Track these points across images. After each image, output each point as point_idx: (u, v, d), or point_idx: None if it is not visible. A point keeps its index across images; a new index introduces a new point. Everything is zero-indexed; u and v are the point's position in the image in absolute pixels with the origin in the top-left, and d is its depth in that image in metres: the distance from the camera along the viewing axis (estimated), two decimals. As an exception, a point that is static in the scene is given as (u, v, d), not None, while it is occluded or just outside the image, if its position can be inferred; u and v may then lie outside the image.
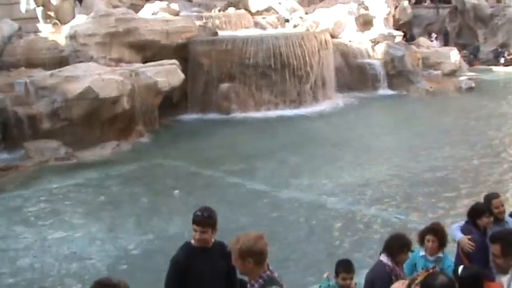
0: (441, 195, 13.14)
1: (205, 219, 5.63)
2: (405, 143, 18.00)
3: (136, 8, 25.31)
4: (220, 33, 24.73)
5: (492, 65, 37.52)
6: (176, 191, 13.65)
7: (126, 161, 16.62)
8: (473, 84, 28.62)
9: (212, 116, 22.21)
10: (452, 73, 31.23)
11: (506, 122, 21.19)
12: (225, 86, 22.51)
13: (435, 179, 14.35)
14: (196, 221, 5.65)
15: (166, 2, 25.33)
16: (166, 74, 20.34)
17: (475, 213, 7.03)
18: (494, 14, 41.18)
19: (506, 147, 17.52)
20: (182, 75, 20.91)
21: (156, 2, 25.76)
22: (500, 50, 39.06)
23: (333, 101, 24.28)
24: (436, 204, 12.52)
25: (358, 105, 24.05)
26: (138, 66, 20.55)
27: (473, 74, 32.32)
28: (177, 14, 24.56)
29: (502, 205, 7.25)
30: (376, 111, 23.56)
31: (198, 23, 24.37)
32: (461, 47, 37.41)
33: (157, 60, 21.09)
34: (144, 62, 21.29)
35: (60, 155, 16.92)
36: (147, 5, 25.29)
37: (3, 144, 17.54)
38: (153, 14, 23.86)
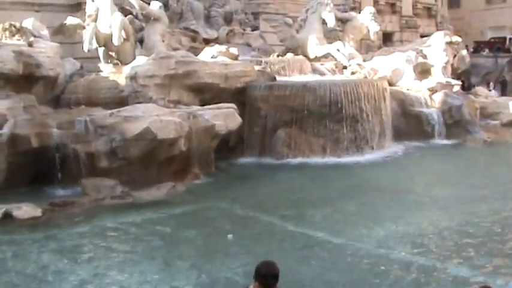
0: (498, 250, 12.77)
1: (270, 283, 5.62)
2: (463, 194, 17.58)
3: (196, 51, 25.66)
4: (279, 78, 24.83)
5: (552, 115, 36.86)
6: (230, 235, 13.55)
7: (181, 202, 16.63)
8: (532, 135, 28.17)
9: (268, 160, 22.18)
10: (511, 123, 30.76)
11: None
12: (281, 131, 22.50)
13: (492, 233, 13.95)
14: (264, 283, 5.61)
15: (226, 46, 25.61)
16: (224, 117, 20.43)
17: None
18: (552, 65, 40.68)
19: None
20: (239, 119, 20.98)
21: (215, 45, 26.07)
22: (559, 100, 38.39)
23: (389, 149, 24.07)
24: (494, 260, 12.15)
25: (415, 154, 23.78)
26: (196, 108, 20.72)
27: (532, 124, 31.77)
28: (236, 58, 24.77)
29: None
30: (433, 160, 23.23)
31: (256, 67, 24.53)
32: (520, 97, 36.79)
33: (215, 103, 21.22)
34: (202, 104, 21.46)
35: (116, 193, 17.04)
36: (207, 49, 25.57)
37: (61, 181, 17.77)
38: (212, 58, 24.08)
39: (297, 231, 14.11)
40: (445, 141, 26.37)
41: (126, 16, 24.69)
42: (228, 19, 31.24)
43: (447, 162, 23.09)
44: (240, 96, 22.73)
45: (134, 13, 25.85)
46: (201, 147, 19.67)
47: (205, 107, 20.96)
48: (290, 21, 32.22)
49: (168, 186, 17.77)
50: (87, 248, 13.01)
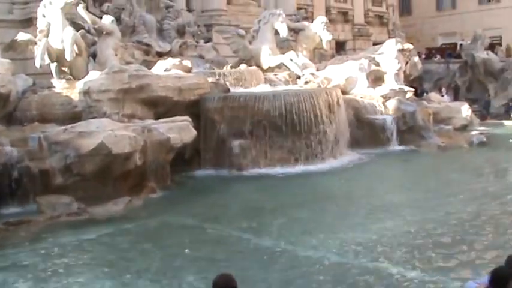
0: (455, 251, 13.03)
1: None
2: (417, 199, 17.90)
3: (149, 64, 25.66)
4: (232, 90, 24.94)
5: (503, 119, 37.75)
6: (187, 250, 13.58)
7: (138, 217, 16.58)
8: (484, 139, 28.74)
9: (224, 172, 22.25)
10: (464, 128, 31.40)
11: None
12: (237, 142, 22.60)
13: (449, 235, 14.23)
14: None
15: (179, 59, 25.66)
16: (179, 130, 20.45)
17: (500, 280, 6.85)
18: (504, 68, 41.58)
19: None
20: (194, 132, 21.01)
21: (168, 58, 26.12)
22: (511, 104, 39.24)
23: (345, 158, 24.31)
24: (451, 262, 12.41)
25: (370, 162, 24.04)
26: (150, 122, 20.70)
27: (485, 128, 32.51)
28: (189, 70, 24.84)
29: None
30: (388, 167, 23.56)
31: (210, 79, 24.58)
32: (472, 102, 37.64)
33: (169, 116, 21.23)
34: (157, 118, 21.46)
35: (72, 210, 16.91)
36: (160, 62, 25.59)
37: (15, 199, 17.58)
38: (165, 71, 24.11)
39: (255, 242, 14.19)
40: (400, 148, 26.72)
41: (78, 31, 24.60)
42: (181, 32, 31.30)
43: (402, 169, 23.46)
44: (195, 109, 22.78)
45: (86, 27, 25.76)
46: (157, 161, 19.66)
47: (159, 120, 20.96)
48: (243, 32, 32.41)
49: (124, 201, 17.70)
50: (44, 267, 12.89)
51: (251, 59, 30.83)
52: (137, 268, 12.62)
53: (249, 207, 17.55)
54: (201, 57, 30.31)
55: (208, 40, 32.62)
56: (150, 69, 23.95)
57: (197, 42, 31.48)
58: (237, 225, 15.52)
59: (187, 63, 25.40)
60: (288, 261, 12.82)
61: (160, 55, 28.74)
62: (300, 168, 22.50)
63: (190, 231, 15.35)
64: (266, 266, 12.53)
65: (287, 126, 22.87)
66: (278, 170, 22.26)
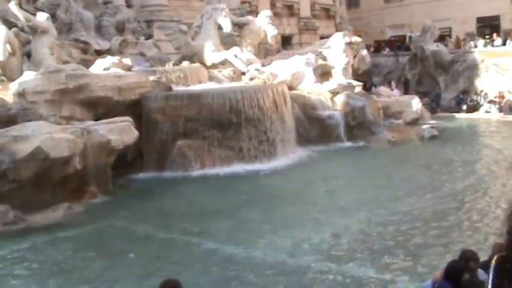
0: (409, 249, 13.27)
1: None
2: (368, 196, 18.13)
3: (87, 63, 25.38)
4: (175, 88, 24.88)
5: (454, 112, 38.40)
6: (131, 255, 13.54)
7: (79, 223, 16.42)
8: (436, 133, 29.15)
9: (168, 174, 22.13)
10: (414, 122, 31.76)
11: (471, 170, 21.59)
12: (180, 142, 22.54)
13: (402, 233, 14.46)
14: None
15: (119, 57, 25.49)
16: (120, 131, 20.30)
17: (454, 273, 7.07)
18: (454, 60, 42.18)
19: (471, 196, 17.81)
20: (136, 133, 20.89)
21: (108, 57, 25.91)
22: (461, 96, 39.98)
23: (294, 155, 24.43)
24: (404, 260, 12.62)
25: (319, 159, 24.22)
26: (90, 124, 20.47)
27: (436, 122, 32.97)
28: (129, 69, 24.70)
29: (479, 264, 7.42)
30: (338, 164, 23.77)
31: (151, 78, 24.45)
32: (422, 95, 38.18)
33: (110, 117, 21.06)
34: (96, 119, 21.27)
35: (8, 219, 16.61)
36: (99, 60, 25.38)
37: None
38: (104, 70, 23.92)
39: (202, 245, 14.24)
40: (350, 144, 26.94)
41: (10, 29, 24.22)
42: (120, 28, 31.05)
43: (352, 165, 23.68)
44: (136, 109, 22.66)
45: (19, 25, 25.34)
46: (97, 164, 19.49)
47: (99, 121, 20.76)
48: (185, 28, 32.35)
49: (63, 207, 17.51)
50: (-21, 279, 12.74)
51: (194, 56, 30.75)
52: (78, 277, 12.54)
53: (196, 209, 17.54)
54: (142, 54, 30.14)
55: (149, 37, 32.42)
56: (88, 68, 23.69)
57: (137, 39, 31.27)
58: (183, 229, 15.54)
59: (127, 61, 25.25)
60: (238, 264, 12.87)
61: (99, 53, 28.47)
62: (247, 167, 22.52)
63: (134, 236, 15.29)
64: (214, 270, 12.56)
65: (232, 124, 22.92)
66: (224, 170, 22.24)
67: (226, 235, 14.96)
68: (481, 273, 7.39)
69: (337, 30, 43.76)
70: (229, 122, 22.90)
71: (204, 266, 12.77)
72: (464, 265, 7.20)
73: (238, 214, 16.81)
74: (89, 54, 28.61)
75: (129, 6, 34.23)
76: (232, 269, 12.60)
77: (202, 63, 29.96)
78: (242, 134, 23.09)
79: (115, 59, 25.10)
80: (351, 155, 25.49)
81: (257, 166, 22.72)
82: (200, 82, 26.97)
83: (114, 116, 21.10)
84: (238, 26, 33.30)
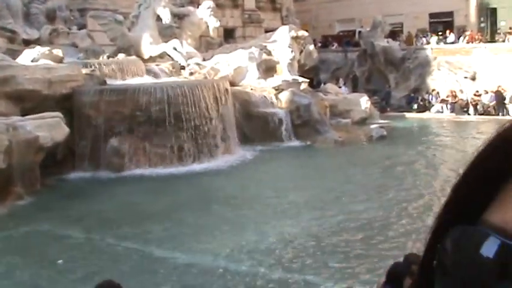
0: (355, 253, 13.41)
1: None
2: (312, 198, 18.31)
3: (14, 53, 25.08)
4: (109, 82, 24.70)
5: (405, 111, 38.81)
6: (60, 261, 13.38)
7: (2, 227, 16.09)
8: (384, 133, 29.43)
9: (102, 174, 21.98)
10: (363, 121, 32.07)
11: (418, 173, 21.92)
12: (115, 140, 22.39)
13: (347, 235, 14.63)
14: None
15: (49, 48, 25.18)
16: (49, 127, 20.05)
17: (395, 276, 7.17)
18: (405, 57, 42.58)
19: (418, 199, 18.12)
20: (67, 129, 20.68)
21: (36, 47, 25.58)
22: (412, 95, 40.44)
23: (235, 155, 24.54)
24: (349, 265, 12.74)
25: (262, 159, 24.32)
26: (16, 119, 20.17)
27: (385, 121, 33.33)
28: (60, 60, 24.44)
29: None
30: (282, 164, 23.91)
31: (84, 71, 24.25)
32: (371, 93, 38.43)
33: (38, 112, 20.78)
34: (24, 114, 20.96)
35: None
36: (27, 51, 25.06)
37: None
38: (33, 61, 23.62)
39: (136, 249, 14.15)
40: (295, 143, 27.08)
41: None
42: (51, 17, 30.70)
43: (297, 166, 23.85)
44: (67, 104, 22.43)
45: None
46: (24, 162, 19.21)
47: (26, 117, 20.47)
48: (121, 18, 32.10)
49: (-14, 209, 17.27)
50: None
51: (130, 48, 30.53)
52: (1, 284, 12.34)
53: (130, 211, 17.44)
54: (74, 45, 29.87)
55: (82, 26, 32.14)
56: (15, 59, 23.39)
57: (69, 28, 31.00)
58: (115, 232, 15.40)
59: (58, 52, 24.97)
60: (174, 269, 12.86)
61: (27, 43, 28.14)
62: (185, 167, 22.49)
63: (63, 240, 15.09)
64: (149, 275, 12.50)
65: (171, 122, 22.84)
66: (162, 170, 22.20)
67: (163, 239, 14.91)
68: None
69: (283, 24, 43.80)
70: (167, 119, 22.79)
71: (137, 271, 12.70)
72: (406, 268, 7.30)
73: (176, 216, 16.78)
74: (16, 43, 28.26)
75: (61, -7, 33.85)
76: (167, 273, 12.58)
77: (139, 56, 29.78)
78: (181, 132, 23.03)
79: (45, 49, 24.80)
80: (296, 155, 25.64)
81: (196, 166, 22.72)
82: (137, 76, 26.79)
83: (43, 111, 20.83)
84: (178, 17, 33.20)
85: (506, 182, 0.85)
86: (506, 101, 36.27)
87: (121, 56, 28.70)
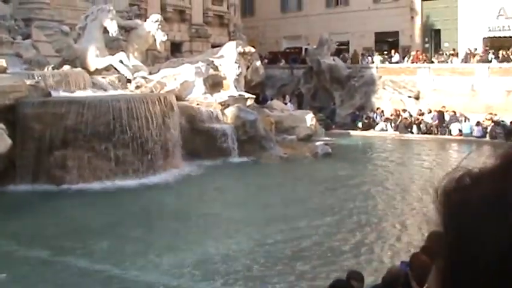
0: (297, 270, 13.48)
1: None
2: (256, 215, 18.37)
3: (-45, 63, 24.65)
4: (54, 94, 24.44)
5: (349, 129, 39.13)
6: (3, 275, 13.15)
7: None
8: (329, 150, 29.62)
9: (44, 187, 21.62)
10: (308, 138, 32.25)
11: (362, 191, 22.11)
12: (58, 153, 22.13)
13: (290, 253, 14.69)
14: None
15: (-9, 58, 24.84)
16: (-10, 139, 19.81)
17: None
18: (351, 76, 43.04)
19: (362, 216, 18.29)
20: (9, 141, 20.41)
21: (-22, 57, 25.22)
22: (357, 113, 40.83)
23: (179, 170, 24.47)
24: (294, 282, 12.80)
25: (207, 174, 24.30)
26: (-44, 130, 19.92)
27: (330, 138, 33.60)
28: (3, 71, 24.10)
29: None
30: (226, 180, 23.92)
31: (28, 82, 23.93)
32: (317, 110, 38.71)
33: (-21, 124, 20.53)
34: (-36, 125, 20.68)
35: None
36: (-32, 60, 24.69)
37: None
38: (-25, 71, 23.29)
39: (77, 265, 13.98)
40: (240, 159, 27.10)
41: None
42: (-5, 26, 30.29)
43: (241, 182, 23.89)
44: (9, 115, 22.09)
45: None
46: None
47: (-33, 128, 20.22)
48: (67, 29, 31.80)
49: None
50: None
51: (76, 60, 30.25)
52: None
53: (72, 227, 17.20)
54: (18, 55, 29.44)
55: (27, 37, 31.71)
56: (-44, 68, 23.01)
57: (14, 38, 30.54)
58: (57, 248, 15.19)
59: (1, 62, 24.62)
60: (114, 285, 12.74)
61: (-30, 53, 27.68)
62: (129, 182, 22.32)
63: (2, 256, 14.80)
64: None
65: (115, 135, 22.69)
66: (105, 184, 21.99)
67: (105, 254, 14.78)
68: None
69: (230, 39, 44.01)
70: (112, 133, 22.63)
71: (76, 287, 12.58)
72: (346, 284, 7.44)
73: (118, 231, 16.67)
74: (-43, 53, 27.76)
75: (5, 1, 33.37)
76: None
77: (85, 68, 29.51)
78: (125, 146, 22.89)
79: (-13, 59, 24.46)
80: (241, 171, 25.66)
81: (141, 180, 22.57)
82: (82, 88, 26.55)
83: (-16, 123, 20.55)
84: (125, 30, 33.03)
85: None
86: (446, 120, 36.82)
87: (66, 68, 28.40)
